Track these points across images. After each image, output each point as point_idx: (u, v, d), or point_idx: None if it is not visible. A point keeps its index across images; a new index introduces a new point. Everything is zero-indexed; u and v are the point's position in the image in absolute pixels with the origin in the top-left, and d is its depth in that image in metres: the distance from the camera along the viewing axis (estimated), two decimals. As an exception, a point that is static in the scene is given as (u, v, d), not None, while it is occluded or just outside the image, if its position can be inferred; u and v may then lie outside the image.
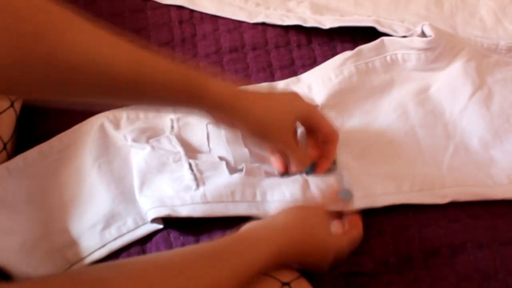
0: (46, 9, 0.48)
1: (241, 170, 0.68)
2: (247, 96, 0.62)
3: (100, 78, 0.51)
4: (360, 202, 0.65)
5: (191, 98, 0.58)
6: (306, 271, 0.60)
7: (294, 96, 0.67)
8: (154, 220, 0.66)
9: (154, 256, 0.55)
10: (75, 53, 0.49)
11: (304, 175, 0.67)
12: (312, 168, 0.67)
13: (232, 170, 0.68)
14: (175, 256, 0.54)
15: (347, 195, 0.65)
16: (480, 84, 0.75)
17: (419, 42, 0.75)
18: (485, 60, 0.77)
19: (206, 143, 0.72)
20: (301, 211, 0.62)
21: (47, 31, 0.47)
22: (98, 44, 0.51)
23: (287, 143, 0.66)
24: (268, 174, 0.69)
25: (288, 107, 0.65)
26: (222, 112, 0.61)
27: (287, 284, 0.57)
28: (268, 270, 0.57)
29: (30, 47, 0.46)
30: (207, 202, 0.64)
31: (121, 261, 0.64)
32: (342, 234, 0.63)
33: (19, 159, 0.73)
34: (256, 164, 0.69)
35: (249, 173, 0.67)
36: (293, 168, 0.68)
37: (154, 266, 0.50)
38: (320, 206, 0.64)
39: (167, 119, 0.75)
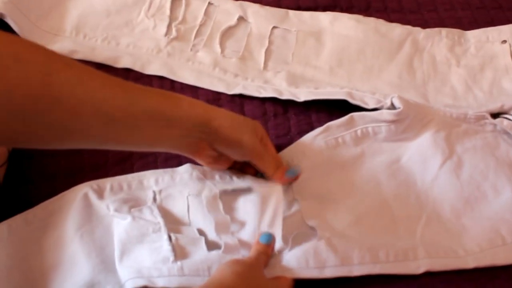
0: (48, 54, 0.52)
1: (219, 247, 0.68)
2: (216, 109, 0.67)
3: (97, 115, 0.55)
4: (337, 270, 0.66)
5: (170, 123, 0.62)
6: None
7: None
8: (132, 291, 0.67)
9: None
10: (76, 93, 0.52)
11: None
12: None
13: (211, 245, 0.69)
14: None
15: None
16: (449, 153, 0.77)
17: (388, 114, 0.77)
18: (455, 130, 0.79)
19: (187, 215, 0.74)
20: (240, 269, 0.62)
21: (53, 74, 0.51)
22: (95, 83, 0.54)
23: (259, 148, 0.70)
24: (245, 245, 0.70)
25: (249, 120, 0.71)
26: (197, 126, 0.65)
27: None
28: None
29: (38, 92, 0.49)
30: (183, 275, 0.65)
31: None
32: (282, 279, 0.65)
33: (3, 226, 0.73)
34: (236, 240, 0.70)
35: (227, 250, 0.68)
36: (269, 174, 0.73)
37: None
38: (256, 260, 0.65)
39: (149, 191, 0.76)
